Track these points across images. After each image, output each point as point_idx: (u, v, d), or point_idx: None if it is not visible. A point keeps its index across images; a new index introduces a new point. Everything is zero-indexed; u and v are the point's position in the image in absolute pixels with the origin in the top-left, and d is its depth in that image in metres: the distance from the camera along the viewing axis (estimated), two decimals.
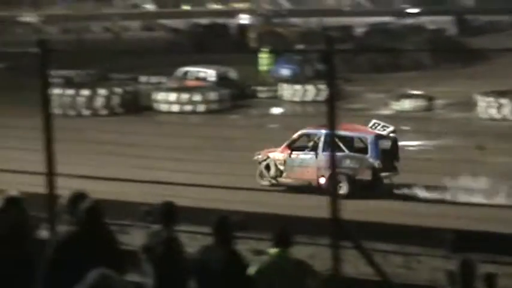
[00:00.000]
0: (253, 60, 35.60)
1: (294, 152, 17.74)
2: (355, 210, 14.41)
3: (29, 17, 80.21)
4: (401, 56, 38.29)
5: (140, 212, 13.03)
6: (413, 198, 16.62)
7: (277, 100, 31.44)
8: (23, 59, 36.41)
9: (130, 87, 30.74)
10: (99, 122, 25.95)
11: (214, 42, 46.46)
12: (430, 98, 28.81)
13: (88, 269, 4.30)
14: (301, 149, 17.86)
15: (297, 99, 31.13)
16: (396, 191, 17.23)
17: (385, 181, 17.56)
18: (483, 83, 29.45)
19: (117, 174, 14.95)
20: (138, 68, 36.17)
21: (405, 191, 17.07)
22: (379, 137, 17.36)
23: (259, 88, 32.63)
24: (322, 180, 16.93)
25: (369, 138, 17.30)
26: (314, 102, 29.73)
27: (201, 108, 29.05)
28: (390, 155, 17.62)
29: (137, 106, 29.42)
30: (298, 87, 31.37)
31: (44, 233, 6.86)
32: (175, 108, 29.00)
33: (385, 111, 27.96)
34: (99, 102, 28.74)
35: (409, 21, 57.75)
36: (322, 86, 28.89)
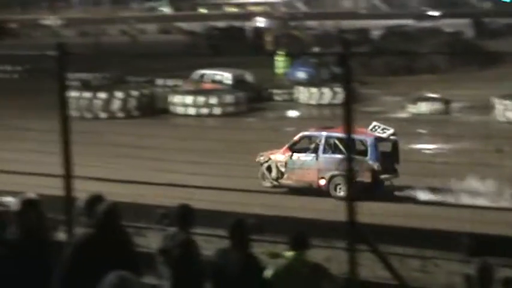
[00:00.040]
0: (269, 63, 35.64)
1: (295, 154, 17.87)
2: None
3: (50, 20, 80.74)
4: (417, 58, 38.18)
5: (157, 214, 13.06)
6: (414, 200, 16.57)
7: (293, 103, 31.43)
8: (40, 62, 36.64)
9: (146, 90, 30.85)
10: (115, 125, 26.04)
11: (231, 45, 46.51)
12: (446, 101, 28.69)
13: (105, 272, 4.31)
14: (302, 150, 18.02)
15: (313, 102, 31.10)
16: (397, 193, 17.23)
17: (386, 183, 17.61)
18: (500, 86, 29.29)
19: (133, 176, 14.98)
20: (155, 71, 36.27)
21: (405, 193, 17.06)
22: (378, 139, 17.42)
23: (276, 91, 32.63)
24: (323, 182, 17.25)
25: (369, 141, 17.39)
26: (330, 105, 29.69)
27: (217, 111, 29.08)
28: (390, 158, 17.69)
29: (153, 109, 29.50)
30: (314, 90, 31.34)
31: (61, 235, 6.88)
32: (191, 111, 29.04)
33: (402, 114, 27.88)
34: (115, 105, 28.84)
35: (426, 24, 57.58)
36: (339, 89, 28.87)
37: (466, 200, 16.18)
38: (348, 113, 6.05)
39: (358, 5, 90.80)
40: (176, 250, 6.40)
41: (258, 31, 54.70)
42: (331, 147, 17.59)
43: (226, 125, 26.29)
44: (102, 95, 28.89)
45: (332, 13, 73.35)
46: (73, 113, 22.83)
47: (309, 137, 18.22)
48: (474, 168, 17.21)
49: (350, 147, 7.12)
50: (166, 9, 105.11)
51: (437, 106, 28.37)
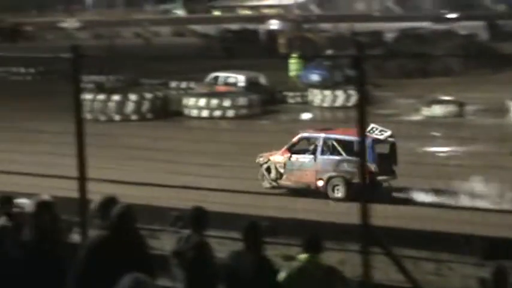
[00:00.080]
0: (283, 65, 35.61)
1: (293, 155, 17.98)
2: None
3: (68, 23, 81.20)
4: (431, 61, 38.05)
5: (170, 216, 13.09)
6: (410, 202, 16.53)
7: (306, 105, 31.41)
8: (54, 64, 36.79)
9: (160, 93, 30.91)
10: (129, 127, 26.10)
11: (244, 47, 46.54)
12: (461, 104, 28.58)
13: (119, 274, 4.32)
14: (301, 152, 18.17)
15: (326, 104, 31.07)
16: (395, 195, 17.22)
17: (384, 185, 17.63)
18: None
19: (147, 179, 15.02)
20: (169, 74, 36.34)
21: (402, 194, 17.05)
22: (376, 141, 17.48)
23: (289, 93, 32.62)
24: (321, 183, 17.44)
25: (366, 143, 17.47)
26: (344, 107, 29.65)
27: (231, 113, 29.10)
28: (388, 159, 17.72)
29: (167, 111, 29.55)
30: (327, 92, 31.30)
31: (75, 237, 6.91)
32: (205, 113, 29.08)
33: (416, 117, 27.80)
34: (129, 107, 28.91)
35: (440, 26, 57.39)
36: (352, 92, 28.81)
37: (479, 203, 16.11)
38: (362, 116, 6.04)
39: (372, 8, 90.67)
40: (190, 252, 6.40)
41: (272, 34, 54.69)
42: (329, 149, 17.78)
43: (239, 128, 26.31)
44: (116, 97, 28.97)
45: (346, 15, 73.29)
46: (87, 115, 23.01)
47: (308, 139, 18.47)
48: (488, 171, 17.14)
49: (363, 150, 7.11)
50: (180, 12, 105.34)
51: (451, 109, 28.26)
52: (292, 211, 14.83)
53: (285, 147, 18.26)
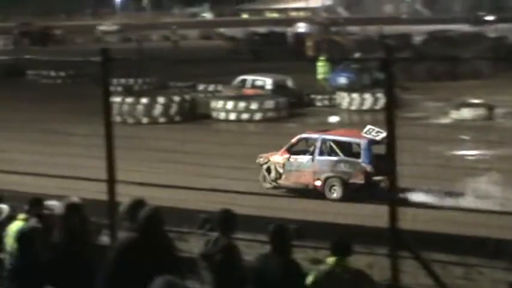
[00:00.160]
0: (310, 68, 35.56)
1: (292, 156, 18.10)
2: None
3: (105, 26, 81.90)
4: (460, 64, 37.77)
5: (198, 219, 13.10)
6: (408, 203, 16.41)
7: (334, 109, 31.31)
8: (83, 67, 37.09)
9: (188, 96, 30.99)
10: (157, 130, 26.21)
11: (272, 50, 46.53)
12: (490, 107, 28.32)
13: (147, 276, 4.34)
14: (300, 153, 18.29)
15: (354, 107, 30.97)
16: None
17: (382, 185, 17.57)
18: None
19: (175, 181, 15.06)
20: (196, 76, 36.45)
21: (400, 195, 16.92)
22: (372, 142, 17.52)
23: (316, 96, 32.57)
24: (318, 183, 17.60)
25: (362, 144, 17.61)
26: (371, 110, 29.53)
27: (258, 116, 29.10)
28: (385, 160, 17.60)
29: (195, 114, 29.62)
30: (355, 95, 31.19)
31: (104, 239, 6.95)
32: (232, 116, 29.11)
33: (444, 120, 27.61)
34: (157, 110, 29.03)
35: (470, 29, 57.01)
36: (380, 95, 28.68)
37: (508, 207, 15.96)
38: (390, 119, 6.03)
39: (400, 10, 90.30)
40: (218, 255, 6.42)
41: (299, 36, 54.64)
42: (327, 150, 17.86)
43: (266, 131, 26.30)
44: (144, 100, 29.12)
45: (373, 18, 73.08)
46: (116, 118, 23.14)
47: (306, 140, 18.61)
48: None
49: (392, 153, 7.05)
50: (208, 15, 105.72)
51: (480, 112, 28.01)
52: (321, 214, 14.79)
53: (284, 147, 18.40)
